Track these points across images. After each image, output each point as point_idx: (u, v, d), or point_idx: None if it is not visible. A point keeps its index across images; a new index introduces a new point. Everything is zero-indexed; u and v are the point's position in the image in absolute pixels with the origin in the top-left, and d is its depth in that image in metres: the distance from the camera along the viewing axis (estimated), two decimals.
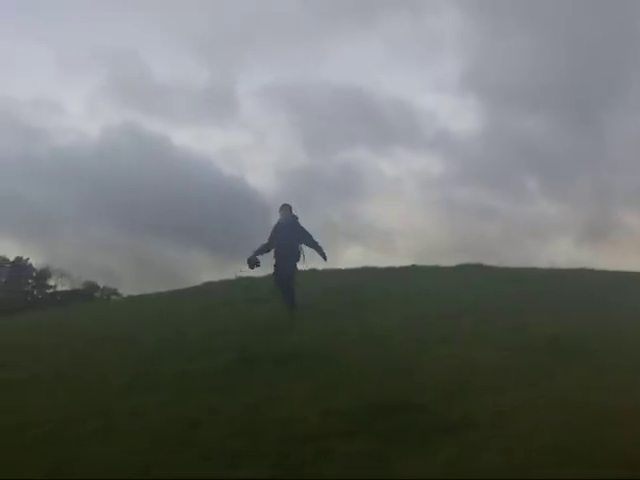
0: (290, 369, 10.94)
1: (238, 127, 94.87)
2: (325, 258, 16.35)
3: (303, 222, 16.26)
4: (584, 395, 8.92)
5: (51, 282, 67.60)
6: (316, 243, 16.24)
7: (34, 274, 67.65)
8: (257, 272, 17.37)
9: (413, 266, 24.25)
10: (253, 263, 16.38)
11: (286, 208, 16.43)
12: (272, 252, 16.41)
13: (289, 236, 16.13)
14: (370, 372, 10.57)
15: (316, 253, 16.25)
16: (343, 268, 24.62)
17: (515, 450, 7.17)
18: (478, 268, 22.39)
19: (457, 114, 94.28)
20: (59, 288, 65.26)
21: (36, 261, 67.54)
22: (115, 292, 51.84)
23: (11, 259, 66.73)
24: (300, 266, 16.36)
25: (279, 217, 16.48)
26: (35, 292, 66.74)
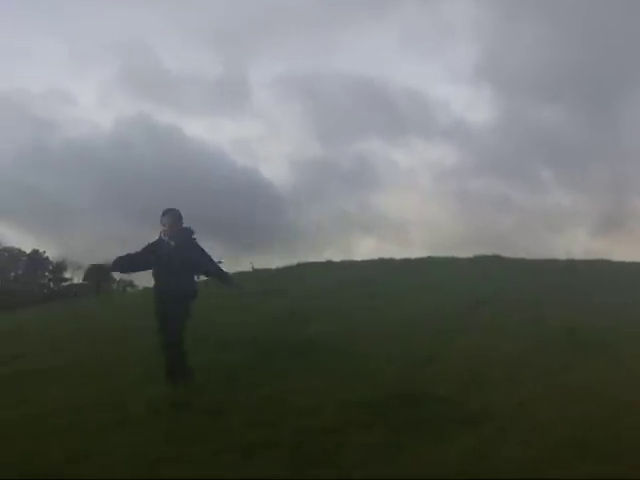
0: (306, 361, 10.94)
1: (251, 118, 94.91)
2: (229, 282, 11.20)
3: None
4: (602, 388, 8.88)
5: (67, 275, 67.79)
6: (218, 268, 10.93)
7: (50, 267, 67.82)
8: (273, 263, 17.07)
9: (429, 258, 24.15)
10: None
11: (172, 215, 10.50)
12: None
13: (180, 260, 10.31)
14: (386, 364, 10.56)
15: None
16: (358, 260, 24.60)
17: (532, 442, 7.14)
18: (495, 259, 22.31)
19: (472, 104, 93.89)
20: (75, 281, 65.39)
21: (50, 253, 67.70)
22: (131, 284, 51.84)
23: (27, 251, 66.94)
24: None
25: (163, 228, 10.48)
26: (51, 285, 66.95)
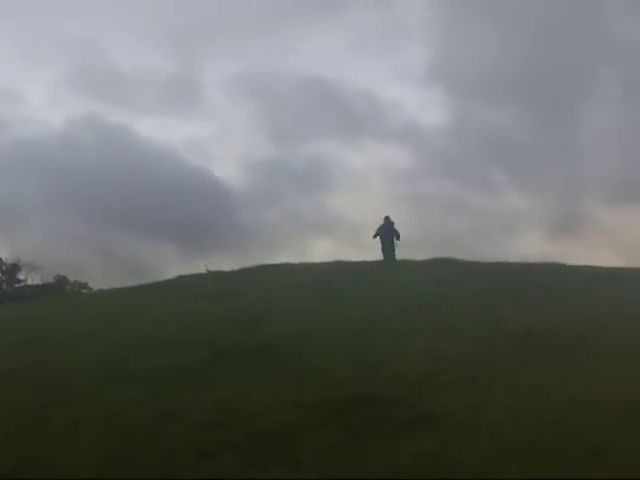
0: (262, 363, 10.94)
1: (204, 118, 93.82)
2: None
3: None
4: (554, 388, 9.01)
5: (21, 276, 66.81)
6: None
7: (4, 268, 66.82)
8: (228, 265, 16.99)
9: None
10: None
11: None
12: None
13: None
14: (342, 365, 10.59)
15: None
16: (315, 262, 24.58)
17: (485, 443, 7.24)
18: (450, 262, 22.40)
19: (424, 106, 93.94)
20: (29, 282, 64.50)
21: (3, 254, 66.70)
22: (85, 286, 51.27)
23: None
24: None
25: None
26: (4, 287, 65.96)
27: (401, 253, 24.75)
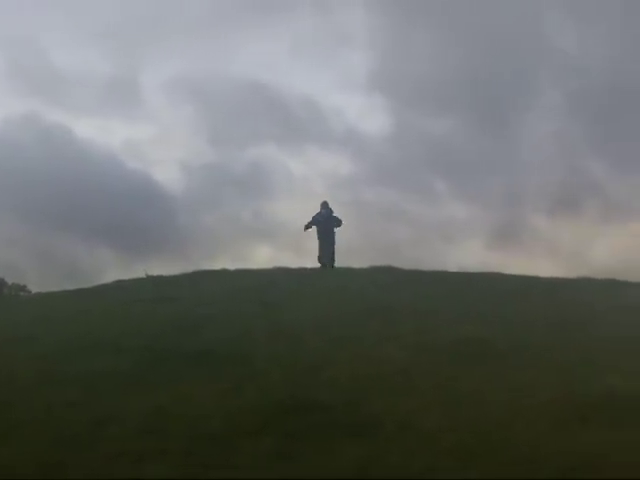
0: (199, 369, 10.94)
1: (143, 120, 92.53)
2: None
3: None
4: (489, 396, 9.20)
5: None
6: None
7: None
8: (167, 271, 16.87)
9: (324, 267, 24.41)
10: None
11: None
12: None
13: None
14: (278, 371, 10.66)
15: None
16: (254, 268, 24.63)
17: (420, 451, 7.35)
18: (388, 270, 22.56)
19: (366, 113, 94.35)
20: None
21: None
22: (24, 288, 50.53)
23: None
24: None
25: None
26: None
27: (340, 260, 24.10)
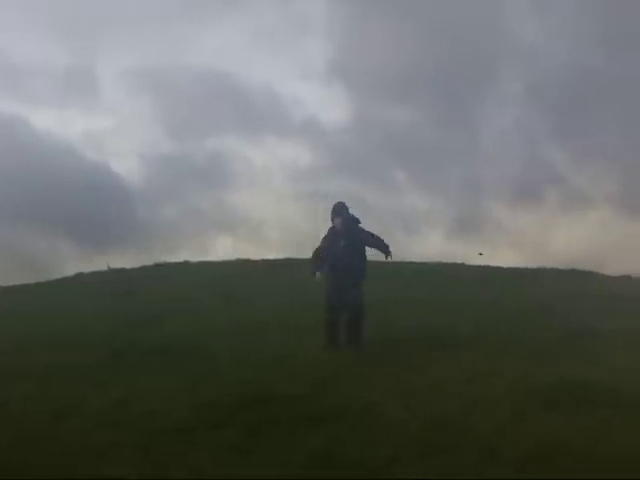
0: (159, 362, 10.88)
1: (101, 111, 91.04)
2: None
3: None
4: (452, 385, 9.24)
5: None
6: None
7: None
8: (129, 263, 16.82)
9: (286, 259, 24.33)
10: None
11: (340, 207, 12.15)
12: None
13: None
14: (239, 364, 10.65)
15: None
16: (216, 260, 24.55)
17: (382, 441, 7.34)
18: None
19: (325, 102, 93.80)
20: None
21: None
22: None
23: None
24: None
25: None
26: None
27: (301, 251, 23.16)
